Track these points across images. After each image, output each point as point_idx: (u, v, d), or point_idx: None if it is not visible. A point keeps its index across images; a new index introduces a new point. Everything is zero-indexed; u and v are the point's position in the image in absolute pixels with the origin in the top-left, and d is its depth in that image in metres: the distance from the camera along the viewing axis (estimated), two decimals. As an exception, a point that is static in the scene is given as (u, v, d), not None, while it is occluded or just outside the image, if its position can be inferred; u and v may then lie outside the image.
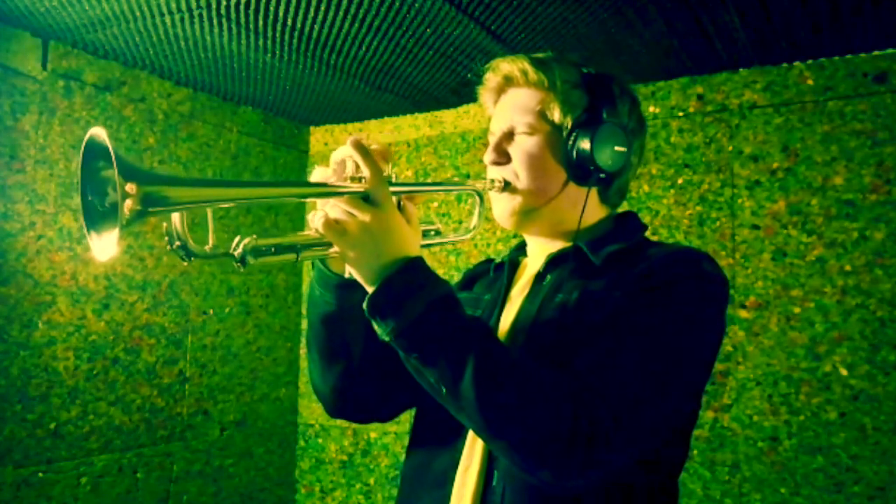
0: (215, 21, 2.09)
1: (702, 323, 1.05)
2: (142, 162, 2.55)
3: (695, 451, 2.37)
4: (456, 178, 2.91)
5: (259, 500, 2.98)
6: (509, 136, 1.19)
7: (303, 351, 3.20)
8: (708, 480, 2.35)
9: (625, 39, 2.18)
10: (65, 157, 2.30)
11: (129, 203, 0.80)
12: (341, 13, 2.02)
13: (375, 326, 0.97)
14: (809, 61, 2.34)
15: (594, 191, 1.20)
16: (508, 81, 1.21)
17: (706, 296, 1.06)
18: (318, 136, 3.28)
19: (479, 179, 1.20)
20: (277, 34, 2.17)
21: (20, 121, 2.20)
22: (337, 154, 1.06)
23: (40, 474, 2.21)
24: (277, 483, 3.08)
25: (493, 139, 1.21)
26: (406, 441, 2.89)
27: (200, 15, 2.05)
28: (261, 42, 2.24)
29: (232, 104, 2.90)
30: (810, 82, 2.33)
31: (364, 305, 0.97)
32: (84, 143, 0.84)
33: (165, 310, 2.60)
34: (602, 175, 1.15)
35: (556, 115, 1.16)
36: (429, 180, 2.96)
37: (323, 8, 1.99)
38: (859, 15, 2.00)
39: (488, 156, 1.20)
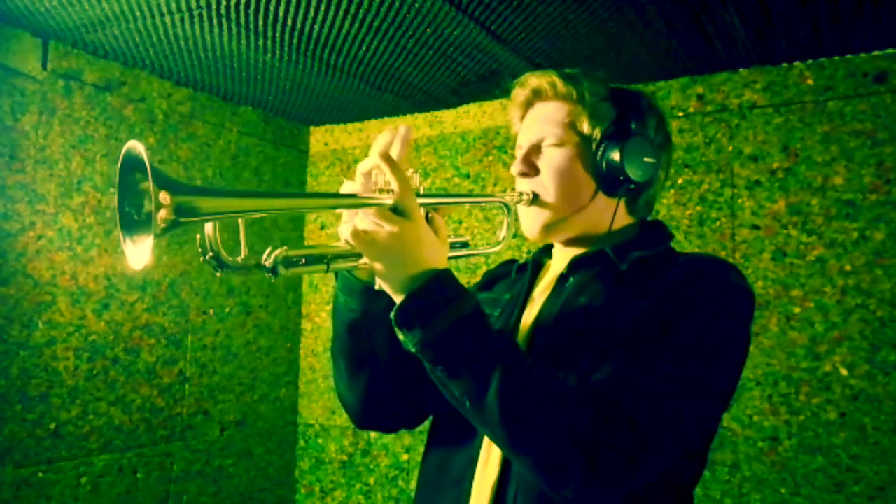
0: (215, 21, 2.09)
1: (728, 336, 1.04)
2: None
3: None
4: (460, 185, 2.91)
5: (259, 500, 2.98)
6: (537, 148, 1.19)
7: (303, 351, 3.20)
8: (708, 480, 2.35)
9: (625, 39, 2.18)
10: (65, 157, 2.31)
11: (162, 213, 0.82)
12: (341, 13, 2.02)
13: (401, 336, 0.98)
14: (809, 61, 2.34)
15: (622, 202, 1.20)
16: (537, 95, 1.22)
17: (733, 309, 1.06)
18: (318, 136, 3.28)
19: (508, 192, 1.20)
20: (277, 34, 2.17)
21: (20, 121, 2.20)
22: (363, 165, 1.06)
23: (40, 474, 2.21)
24: (277, 483, 3.08)
25: (520, 152, 1.21)
26: (406, 441, 2.89)
27: (200, 15, 2.05)
28: (261, 42, 2.24)
29: (232, 104, 2.90)
30: (810, 82, 2.33)
31: (392, 315, 0.97)
32: (121, 157, 0.86)
33: (165, 310, 2.60)
34: (631, 186, 1.15)
35: (585, 126, 1.16)
36: (427, 188, 2.96)
37: (323, 8, 1.99)
38: (859, 15, 2.00)
39: (516, 167, 1.20)
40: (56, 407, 2.26)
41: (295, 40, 2.22)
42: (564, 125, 1.17)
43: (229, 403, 2.85)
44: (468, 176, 2.88)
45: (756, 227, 2.37)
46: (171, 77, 2.61)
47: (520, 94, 1.24)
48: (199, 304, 2.73)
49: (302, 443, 3.17)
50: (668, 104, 2.53)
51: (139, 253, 0.86)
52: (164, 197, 0.82)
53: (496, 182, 2.81)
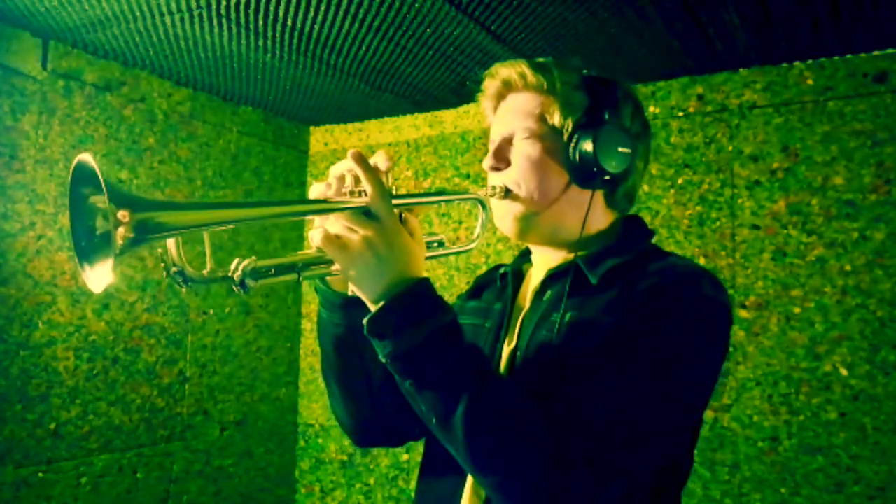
0: (215, 21, 2.09)
1: (699, 351, 1.01)
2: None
3: (695, 451, 2.37)
4: (460, 185, 2.91)
5: (259, 500, 2.98)
6: (509, 141, 1.16)
7: (303, 351, 3.20)
8: (708, 480, 2.35)
9: (625, 39, 2.18)
10: (65, 157, 2.30)
11: (122, 231, 0.77)
12: (341, 13, 2.02)
13: (374, 346, 0.96)
14: (809, 61, 2.34)
15: (599, 195, 1.16)
16: (507, 86, 1.18)
17: (705, 321, 1.02)
18: (318, 136, 3.28)
19: (481, 187, 1.18)
20: (277, 34, 2.17)
21: (20, 121, 2.20)
22: (336, 168, 1.03)
23: (40, 474, 2.21)
24: (277, 483, 3.08)
25: (492, 146, 1.18)
26: (406, 441, 2.89)
27: (200, 15, 2.05)
28: (261, 42, 2.24)
29: (232, 104, 2.90)
30: (810, 82, 2.33)
31: (364, 322, 0.95)
32: (71, 172, 0.81)
33: (165, 310, 2.60)
34: (606, 177, 1.11)
35: (556, 118, 1.13)
36: (427, 188, 2.96)
37: (323, 8, 1.99)
38: (859, 15, 2.00)
39: (487, 161, 1.16)
40: (56, 407, 2.26)
41: (295, 40, 2.22)
42: (535, 117, 1.13)
43: (229, 403, 2.85)
44: (468, 176, 2.88)
45: (756, 227, 2.37)
46: (171, 77, 2.61)
47: (490, 85, 1.20)
48: (199, 304, 2.73)
49: (302, 443, 3.17)
50: (668, 104, 2.53)
51: (99, 275, 0.81)
52: (122, 214, 0.77)
53: (496, 182, 2.81)
